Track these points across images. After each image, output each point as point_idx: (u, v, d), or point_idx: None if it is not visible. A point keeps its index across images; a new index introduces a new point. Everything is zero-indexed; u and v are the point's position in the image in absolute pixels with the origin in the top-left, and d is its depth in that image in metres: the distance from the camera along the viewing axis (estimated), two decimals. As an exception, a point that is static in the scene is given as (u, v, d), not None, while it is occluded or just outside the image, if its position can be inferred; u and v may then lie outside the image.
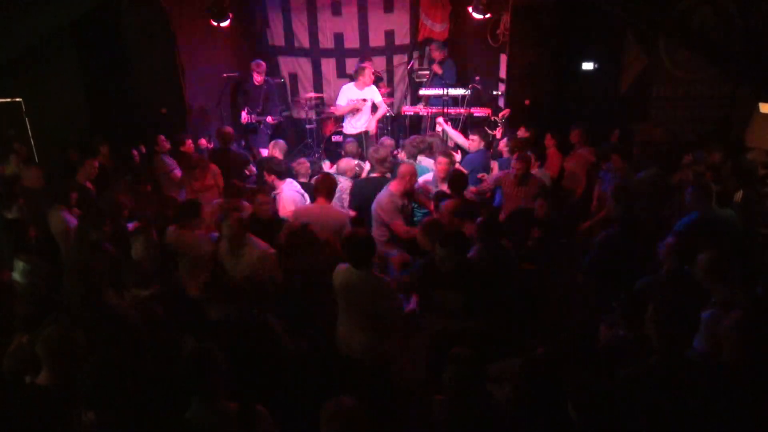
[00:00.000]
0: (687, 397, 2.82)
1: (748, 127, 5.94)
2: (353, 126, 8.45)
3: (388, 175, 6.14)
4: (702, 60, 7.75)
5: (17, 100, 6.93)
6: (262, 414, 2.95)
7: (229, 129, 7.49)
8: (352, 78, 8.63)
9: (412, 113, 9.38)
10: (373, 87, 8.49)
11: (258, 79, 8.93)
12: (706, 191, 4.63)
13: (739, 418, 2.83)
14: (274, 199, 6.00)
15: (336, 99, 8.69)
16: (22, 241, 5.07)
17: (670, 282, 3.81)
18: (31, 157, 6.79)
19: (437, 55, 9.42)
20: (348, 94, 8.35)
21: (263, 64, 9.00)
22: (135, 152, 7.31)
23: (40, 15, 6.55)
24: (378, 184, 5.76)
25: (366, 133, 8.49)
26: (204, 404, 2.85)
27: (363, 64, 8.63)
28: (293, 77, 10.74)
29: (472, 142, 7.21)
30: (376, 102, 8.40)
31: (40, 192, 5.60)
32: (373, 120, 8.58)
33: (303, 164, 6.80)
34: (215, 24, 8.05)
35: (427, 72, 9.80)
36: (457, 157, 7.15)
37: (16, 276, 4.16)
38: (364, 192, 5.93)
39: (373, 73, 8.67)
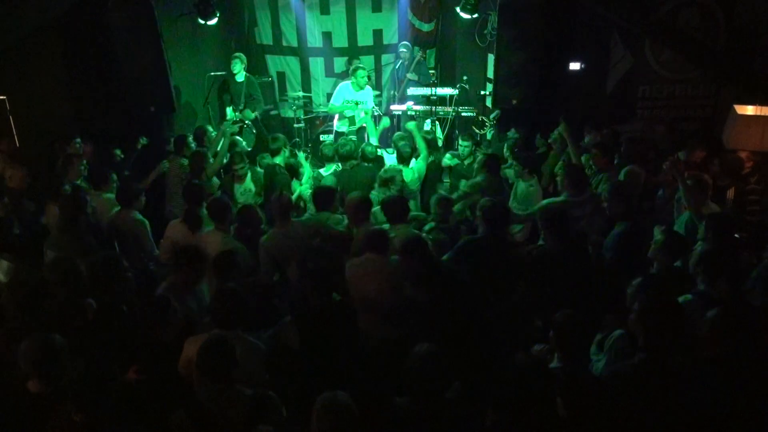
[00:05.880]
0: (672, 395, 2.85)
1: (728, 130, 5.94)
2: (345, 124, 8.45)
3: None
4: (686, 60, 7.84)
5: (1, 98, 6.83)
6: (274, 400, 2.96)
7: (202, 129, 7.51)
8: (348, 75, 8.56)
9: (400, 112, 9.37)
10: (369, 90, 8.44)
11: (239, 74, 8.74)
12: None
13: (723, 414, 2.86)
14: None
15: (331, 97, 8.69)
16: (6, 240, 5.00)
17: (658, 280, 3.84)
18: (16, 156, 6.70)
19: (404, 54, 9.48)
20: (344, 94, 8.33)
21: (243, 58, 8.80)
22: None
23: (24, 11, 6.47)
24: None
25: (363, 128, 8.52)
26: (217, 387, 2.88)
27: (360, 65, 8.49)
28: (281, 76, 10.70)
29: (464, 149, 7.17)
30: (367, 107, 8.33)
31: (24, 192, 5.54)
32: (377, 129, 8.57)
33: None
34: (202, 22, 7.99)
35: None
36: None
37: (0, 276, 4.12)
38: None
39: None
